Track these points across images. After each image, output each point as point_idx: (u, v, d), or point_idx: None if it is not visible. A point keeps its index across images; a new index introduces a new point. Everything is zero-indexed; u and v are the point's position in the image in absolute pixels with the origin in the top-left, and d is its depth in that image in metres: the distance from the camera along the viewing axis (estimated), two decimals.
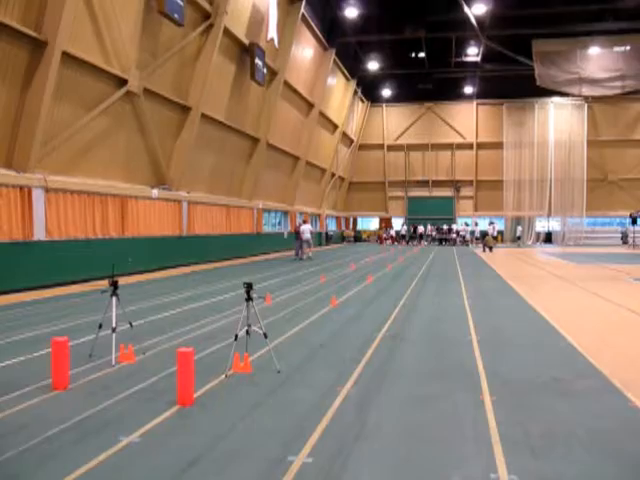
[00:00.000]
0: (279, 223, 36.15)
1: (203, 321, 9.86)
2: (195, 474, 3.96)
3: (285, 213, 36.17)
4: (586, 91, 40.26)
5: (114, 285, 6.94)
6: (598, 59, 38.64)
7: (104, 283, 15.10)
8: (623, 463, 4.22)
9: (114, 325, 6.84)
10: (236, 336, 6.57)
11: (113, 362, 6.77)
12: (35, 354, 7.33)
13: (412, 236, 48.47)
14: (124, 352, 7.01)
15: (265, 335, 6.71)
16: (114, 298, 6.92)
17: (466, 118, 48.07)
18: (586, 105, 45.11)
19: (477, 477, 3.94)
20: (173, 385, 5.71)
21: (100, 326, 7.08)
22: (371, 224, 54.37)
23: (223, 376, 6.29)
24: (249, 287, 6.56)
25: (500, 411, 5.30)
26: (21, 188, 14.17)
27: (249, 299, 6.58)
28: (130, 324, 7.48)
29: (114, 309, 6.85)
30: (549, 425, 4.98)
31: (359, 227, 54.28)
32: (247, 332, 6.76)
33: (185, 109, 21.00)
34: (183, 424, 4.88)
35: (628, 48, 37.91)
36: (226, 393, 5.78)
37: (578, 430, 4.85)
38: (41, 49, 13.96)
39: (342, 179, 48.74)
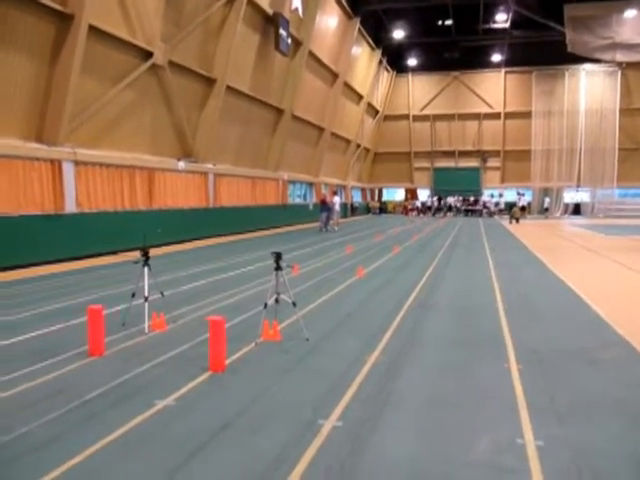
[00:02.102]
0: (304, 194, 36.18)
1: (231, 291, 10.03)
2: (230, 435, 4.10)
3: (310, 184, 36.15)
4: (620, 57, 38.99)
5: (146, 255, 7.09)
6: (634, 23, 37.27)
7: (133, 254, 15.38)
8: None
9: (146, 294, 7.01)
10: (265, 304, 6.69)
11: (146, 330, 6.96)
12: (71, 322, 7.56)
13: (438, 207, 48.14)
14: (156, 320, 7.19)
15: (294, 304, 6.82)
16: (146, 268, 7.07)
17: (494, 87, 47.10)
18: (619, 72, 43.77)
19: (504, 442, 4.01)
20: (204, 352, 5.86)
21: (133, 295, 7.26)
22: (396, 195, 54.06)
23: (253, 344, 6.43)
24: (278, 257, 6.64)
25: (526, 379, 5.35)
26: (52, 161, 14.41)
27: (278, 268, 6.67)
28: (162, 293, 7.65)
29: (146, 279, 7.02)
30: (575, 393, 5.02)
31: (384, 198, 54.01)
32: (276, 300, 6.87)
33: (210, 81, 20.99)
34: (216, 389, 5.04)
35: None
36: (256, 360, 5.92)
37: (604, 398, 4.89)
38: (68, 23, 14.03)
39: (367, 150, 48.41)
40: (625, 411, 4.61)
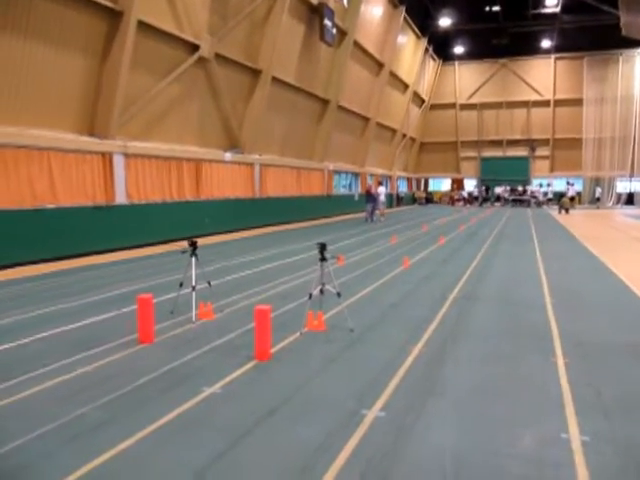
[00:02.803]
0: (349, 185, 36.14)
1: (277, 281, 10.15)
2: (276, 421, 4.21)
3: (355, 175, 36.09)
4: None
5: (193, 245, 7.26)
6: None
7: (182, 244, 15.70)
8: None
9: (194, 284, 7.18)
10: (310, 295, 6.77)
11: (193, 319, 7.14)
12: (122, 310, 7.81)
13: (485, 198, 47.36)
14: (203, 309, 7.36)
15: (338, 294, 6.89)
16: (193, 258, 7.24)
17: (543, 74, 45.86)
18: None
19: (548, 437, 3.98)
20: (250, 341, 5.98)
21: (181, 285, 7.45)
22: (442, 185, 53.42)
23: (298, 333, 6.52)
24: (323, 247, 6.70)
25: (573, 373, 5.28)
26: (103, 154, 14.82)
27: (323, 259, 6.73)
28: (209, 283, 7.81)
29: (194, 268, 7.19)
30: (623, 388, 4.93)
31: (430, 188, 53.45)
32: (321, 291, 6.94)
33: (256, 72, 21.15)
34: (261, 377, 5.15)
35: None
36: (301, 349, 6.01)
37: None
38: (118, 19, 14.36)
39: (413, 140, 47.94)
40: None
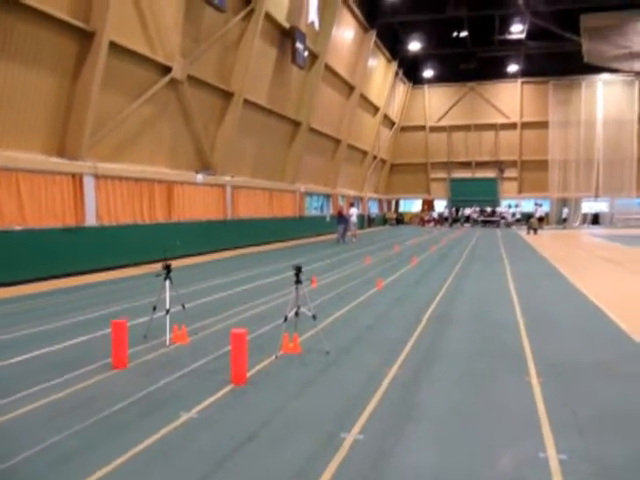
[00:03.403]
0: (321, 206, 36.28)
1: (251, 303, 10.09)
2: (254, 447, 4.16)
3: (327, 196, 36.27)
4: (638, 66, 38.79)
5: (167, 269, 7.19)
6: None
7: (153, 267, 15.52)
8: None
9: (168, 307, 7.10)
10: (286, 317, 6.75)
11: (167, 343, 7.04)
12: (94, 335, 7.66)
13: (455, 218, 48.00)
14: (177, 333, 7.27)
15: (314, 317, 6.88)
16: (167, 281, 7.17)
17: (510, 97, 47.01)
18: (637, 81, 43.50)
19: (526, 456, 4.02)
20: (225, 365, 5.93)
21: (154, 308, 7.35)
22: (413, 206, 53.99)
23: (273, 357, 6.48)
24: (298, 270, 6.70)
25: (547, 392, 5.34)
26: (73, 175, 14.64)
27: (298, 281, 6.73)
28: (183, 306, 7.73)
29: (167, 292, 7.11)
30: (597, 407, 5.01)
31: (401, 209, 53.99)
32: (296, 314, 6.92)
33: (228, 95, 21.23)
34: (238, 402, 5.09)
35: None
36: (277, 373, 5.97)
37: (626, 412, 4.88)
38: (89, 40, 14.31)
39: (384, 161, 48.48)
40: None
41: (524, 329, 8.09)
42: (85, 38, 14.28)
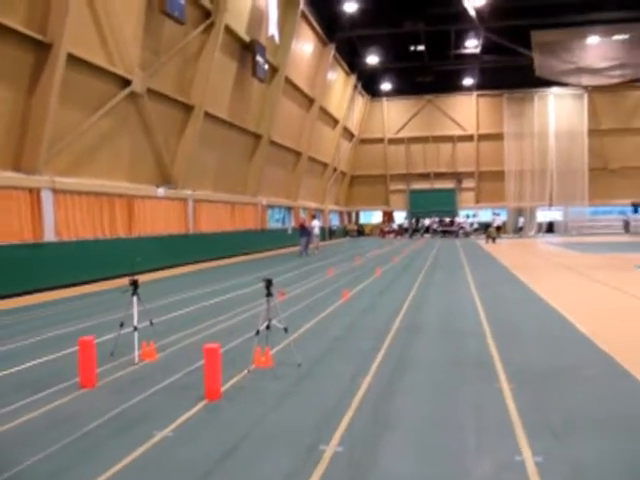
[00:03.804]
0: (283, 219, 36.25)
1: (219, 318, 9.99)
2: (232, 464, 4.10)
3: (289, 209, 36.28)
4: (586, 80, 40.30)
5: (134, 284, 7.06)
6: (597, 48, 38.65)
7: (115, 282, 15.23)
8: (638, 442, 4.37)
9: (135, 324, 6.96)
10: (257, 331, 6.70)
11: (136, 360, 6.90)
12: (58, 354, 7.46)
13: (415, 229, 48.62)
14: (146, 350, 7.13)
15: (285, 330, 6.85)
16: (135, 297, 7.04)
17: (466, 110, 48.10)
18: (586, 94, 45.08)
19: (504, 460, 4.08)
20: (197, 380, 5.85)
21: (121, 325, 7.19)
22: (373, 218, 54.47)
23: (245, 371, 6.42)
24: (269, 283, 6.67)
25: (518, 397, 5.43)
26: (30, 190, 14.29)
27: (269, 294, 6.70)
28: (151, 322, 7.59)
29: (135, 308, 6.98)
30: (567, 410, 5.12)
31: (361, 221, 54.39)
32: (267, 327, 6.88)
33: (188, 108, 21.10)
34: (214, 417, 5.03)
35: (627, 37, 37.88)
36: (251, 387, 5.92)
37: (596, 413, 5.01)
38: (46, 52, 14.05)
39: (344, 174, 48.83)
40: (617, 425, 4.72)
41: (490, 336, 8.22)
42: (42, 50, 14.00)
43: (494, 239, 35.67)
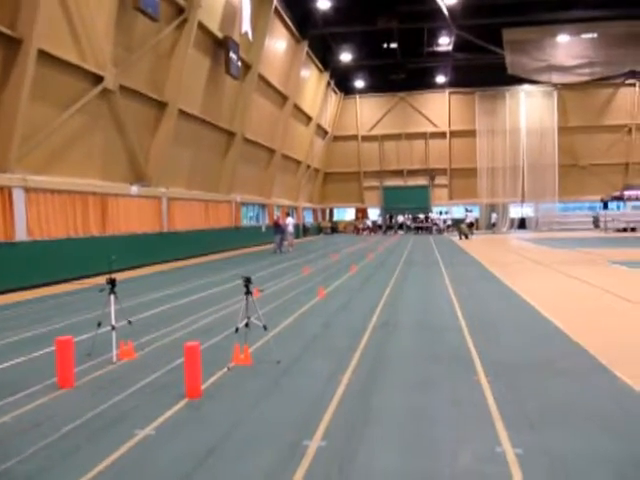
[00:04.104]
0: (257, 216, 36.16)
1: (195, 316, 9.95)
2: (217, 460, 4.12)
3: (262, 206, 36.20)
4: (556, 78, 41.02)
5: (112, 283, 7.01)
6: (567, 47, 39.36)
7: (89, 282, 15.06)
8: (615, 434, 4.49)
9: (113, 323, 6.90)
10: (237, 329, 6.71)
11: (114, 359, 6.85)
12: (34, 354, 7.37)
13: (388, 226, 48.91)
14: (124, 349, 7.08)
15: (265, 327, 6.87)
16: (112, 296, 6.99)
17: (439, 107, 48.53)
18: (556, 92, 45.89)
19: (484, 452, 4.16)
20: (177, 379, 5.85)
21: (99, 324, 7.12)
22: (347, 215, 54.64)
23: (225, 369, 6.42)
24: (247, 281, 6.68)
25: (496, 390, 5.54)
26: (1, 189, 14.03)
27: (248, 292, 6.70)
28: (129, 321, 7.53)
29: (112, 307, 6.93)
30: (544, 401, 5.25)
31: (335, 218, 54.52)
32: (247, 325, 6.89)
33: (161, 105, 20.90)
34: (195, 415, 5.02)
35: (596, 36, 38.64)
36: (232, 385, 5.92)
37: (571, 405, 5.13)
38: (16, 47, 13.80)
39: (317, 171, 48.87)
40: (592, 416, 4.84)
41: (467, 331, 8.34)
42: (12, 45, 13.74)
43: (467, 235, 36.05)
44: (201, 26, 22.14)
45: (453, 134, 48.52)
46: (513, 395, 5.42)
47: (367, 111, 50.00)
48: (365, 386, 5.80)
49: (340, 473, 3.86)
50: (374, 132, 49.93)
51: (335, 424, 4.74)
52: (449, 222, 47.05)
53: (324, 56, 41.14)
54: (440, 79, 46.79)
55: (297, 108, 37.78)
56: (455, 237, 37.52)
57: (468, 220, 41.36)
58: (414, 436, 4.51)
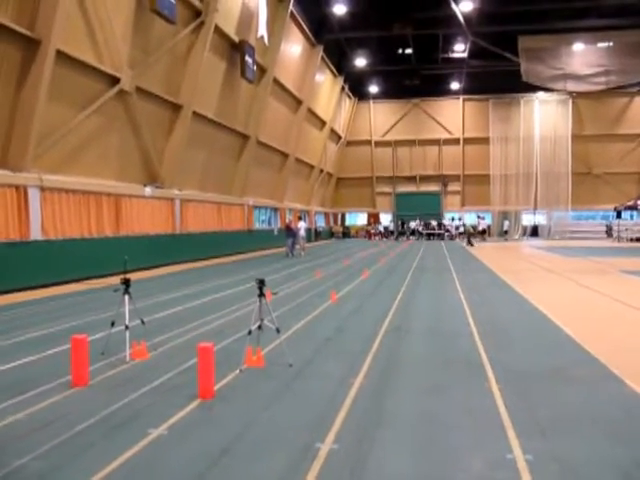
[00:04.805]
0: (269, 219, 36.26)
1: (208, 317, 9.99)
2: (230, 461, 4.14)
3: (275, 210, 36.29)
4: (570, 86, 40.81)
5: (126, 283, 7.07)
6: (582, 55, 39.16)
7: (102, 282, 15.18)
8: (624, 441, 4.48)
9: (127, 322, 6.96)
10: (250, 331, 6.73)
11: (127, 359, 6.90)
12: (48, 352, 7.44)
13: (400, 231, 48.86)
14: (137, 349, 7.13)
15: (277, 330, 6.88)
16: (126, 296, 7.05)
17: (453, 114, 48.45)
18: (570, 100, 45.71)
19: (496, 458, 4.16)
20: (190, 379, 5.88)
21: (112, 324, 7.19)
22: (358, 220, 54.64)
23: (238, 370, 6.45)
24: (261, 283, 6.71)
25: (507, 397, 5.52)
26: (17, 187, 14.19)
27: (261, 294, 6.73)
28: (142, 321, 7.58)
29: (127, 307, 6.99)
30: (555, 409, 5.23)
31: (347, 223, 54.53)
32: (259, 327, 6.91)
33: (176, 107, 21.04)
34: (208, 416, 5.05)
35: (611, 44, 38.44)
36: (244, 386, 5.95)
37: (582, 413, 5.12)
38: (35, 48, 13.96)
39: (330, 175, 48.92)
40: (603, 424, 4.82)
41: (478, 337, 8.32)
42: (30, 46, 13.90)
43: (470, 242, 35.76)
44: (217, 29, 22.27)
45: (466, 141, 48.41)
46: (524, 402, 5.40)
47: (381, 116, 50.01)
48: (377, 390, 5.80)
49: (352, 476, 3.87)
50: (387, 138, 49.92)
51: (347, 427, 4.75)
52: (462, 229, 46.92)
53: (339, 61, 41.22)
54: (454, 86, 46.74)
55: (311, 112, 37.86)
56: (466, 244, 37.32)
57: (480, 227, 41.16)
58: (426, 441, 4.51)
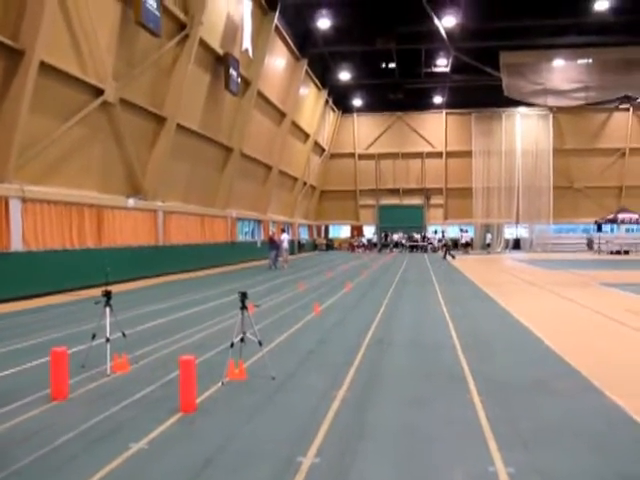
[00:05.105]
0: (252, 232, 36.21)
1: (190, 330, 9.94)
2: (211, 475, 4.11)
3: (258, 222, 36.27)
4: (551, 101, 41.46)
5: (107, 295, 7.02)
6: (562, 71, 39.82)
7: (83, 293, 15.03)
8: (606, 453, 4.52)
9: (108, 335, 6.90)
10: (232, 344, 6.71)
11: (108, 372, 6.84)
12: (27, 365, 7.35)
13: (384, 244, 49.02)
14: (118, 361, 7.07)
15: (260, 343, 6.87)
16: (107, 308, 7.00)
17: (436, 127, 48.93)
18: (551, 115, 46.42)
19: (477, 471, 4.18)
20: (171, 393, 5.84)
21: (94, 336, 7.13)
22: (342, 232, 54.76)
23: (220, 384, 6.42)
24: (244, 296, 6.70)
25: (489, 409, 5.55)
26: None
27: (244, 307, 6.72)
28: (123, 334, 7.53)
29: (108, 319, 6.93)
30: (536, 421, 5.26)
31: (330, 235, 54.63)
32: (242, 340, 6.89)
33: (160, 119, 21.01)
34: (190, 430, 5.02)
35: (591, 61, 39.15)
36: (226, 399, 5.92)
37: (564, 425, 5.15)
38: (18, 58, 13.90)
39: (313, 188, 49.04)
40: (585, 437, 4.86)
41: (460, 350, 8.36)
42: (14, 56, 13.83)
43: (449, 254, 35.62)
44: (202, 42, 22.34)
45: (449, 154, 48.88)
46: (506, 415, 5.43)
47: (364, 130, 50.33)
48: (359, 402, 5.81)
49: None
50: (371, 151, 50.23)
51: (329, 440, 4.75)
52: (444, 241, 47.17)
53: (323, 74, 41.49)
54: (437, 99, 47.26)
55: (295, 125, 38.02)
56: (449, 257, 37.47)
57: (463, 240, 41.43)
58: (407, 453, 4.52)
